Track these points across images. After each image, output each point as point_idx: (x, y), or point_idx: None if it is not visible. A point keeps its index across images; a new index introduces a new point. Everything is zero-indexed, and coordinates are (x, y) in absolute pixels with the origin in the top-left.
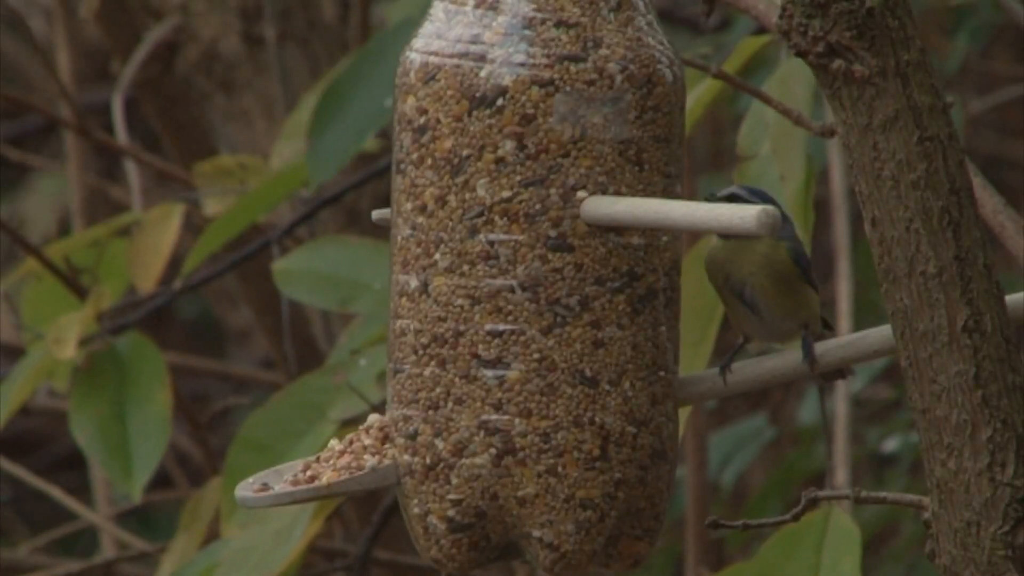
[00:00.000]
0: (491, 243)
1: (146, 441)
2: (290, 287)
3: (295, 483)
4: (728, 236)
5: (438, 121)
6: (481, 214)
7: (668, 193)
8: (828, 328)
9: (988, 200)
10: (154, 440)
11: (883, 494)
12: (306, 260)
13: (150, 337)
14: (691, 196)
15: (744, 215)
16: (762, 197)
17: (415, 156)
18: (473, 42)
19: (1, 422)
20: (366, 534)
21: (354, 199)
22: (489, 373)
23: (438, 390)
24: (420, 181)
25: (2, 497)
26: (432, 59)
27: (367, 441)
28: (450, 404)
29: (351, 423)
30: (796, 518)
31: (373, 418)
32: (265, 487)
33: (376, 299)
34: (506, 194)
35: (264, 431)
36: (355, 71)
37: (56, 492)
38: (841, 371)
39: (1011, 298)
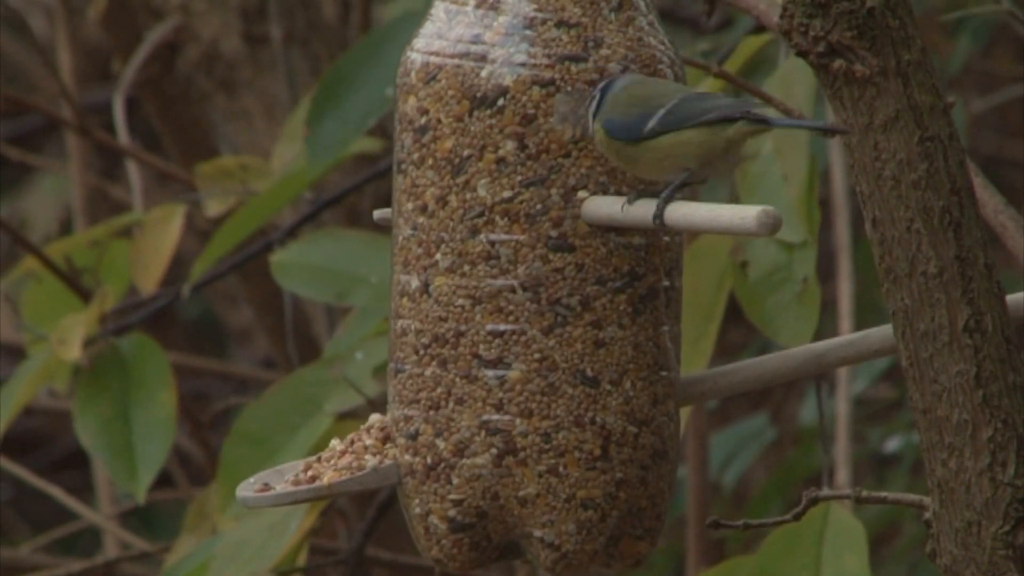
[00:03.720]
0: (492, 243)
1: (150, 442)
2: (287, 280)
3: (296, 483)
4: (727, 234)
5: (439, 121)
6: (482, 214)
7: None
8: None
9: (989, 200)
10: (158, 441)
11: (884, 494)
12: (303, 253)
13: (151, 337)
14: (691, 196)
15: (744, 215)
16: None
17: (416, 156)
18: (474, 42)
19: (4, 425)
20: (361, 528)
21: (355, 199)
22: (490, 373)
23: (439, 390)
24: (421, 181)
25: (3, 496)
26: (433, 59)
27: (368, 441)
28: (451, 404)
29: (347, 416)
30: (797, 518)
31: (374, 418)
32: (266, 487)
33: (373, 293)
34: (507, 194)
35: (260, 424)
36: (355, 61)
37: (57, 492)
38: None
39: (1012, 298)
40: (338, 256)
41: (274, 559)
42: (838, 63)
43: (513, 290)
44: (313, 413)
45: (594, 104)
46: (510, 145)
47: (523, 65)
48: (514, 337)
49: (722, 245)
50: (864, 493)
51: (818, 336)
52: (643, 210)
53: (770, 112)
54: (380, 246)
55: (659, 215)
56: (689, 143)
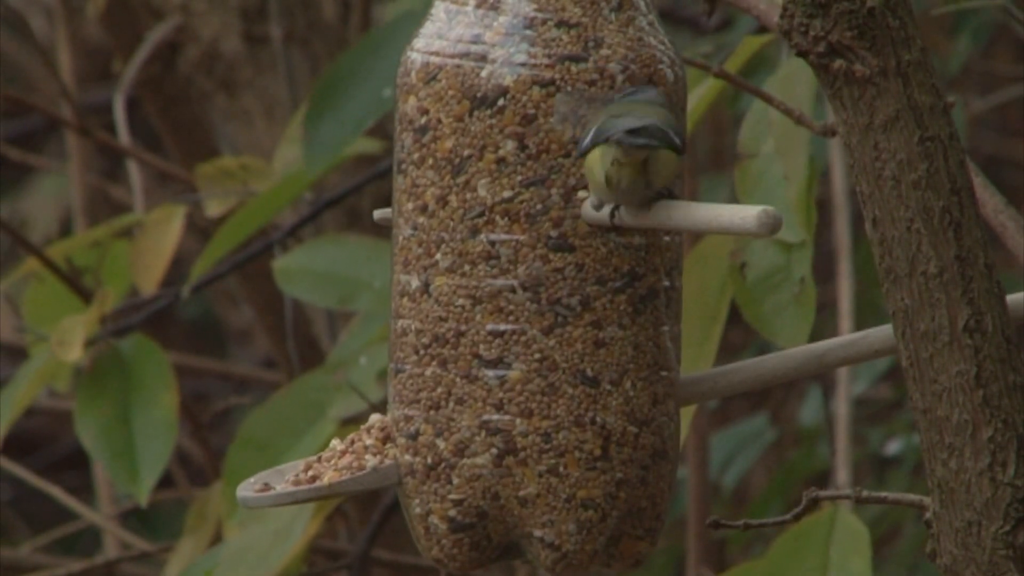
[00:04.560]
0: (492, 243)
1: (151, 443)
2: (290, 285)
3: (296, 483)
4: (727, 234)
5: (439, 121)
6: (482, 214)
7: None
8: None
9: (989, 200)
10: (160, 442)
11: (884, 494)
12: (306, 258)
13: (151, 337)
14: (692, 196)
15: (744, 215)
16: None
17: (416, 156)
18: (474, 42)
19: (5, 427)
20: (365, 533)
21: (355, 199)
22: (490, 373)
23: (439, 390)
24: (421, 181)
25: (3, 497)
26: (433, 59)
27: (368, 441)
28: (451, 404)
29: (351, 422)
30: (797, 518)
31: (375, 418)
32: (266, 487)
33: (376, 297)
34: (507, 194)
35: (264, 430)
36: (353, 62)
37: (57, 492)
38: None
39: (1012, 298)
40: (341, 261)
41: (278, 565)
42: (838, 63)
43: (513, 290)
44: (317, 419)
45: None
46: (510, 145)
47: (523, 65)
48: (514, 337)
49: (725, 248)
50: (864, 493)
51: (818, 336)
52: (630, 212)
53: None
54: (383, 251)
55: (613, 213)
56: (600, 157)
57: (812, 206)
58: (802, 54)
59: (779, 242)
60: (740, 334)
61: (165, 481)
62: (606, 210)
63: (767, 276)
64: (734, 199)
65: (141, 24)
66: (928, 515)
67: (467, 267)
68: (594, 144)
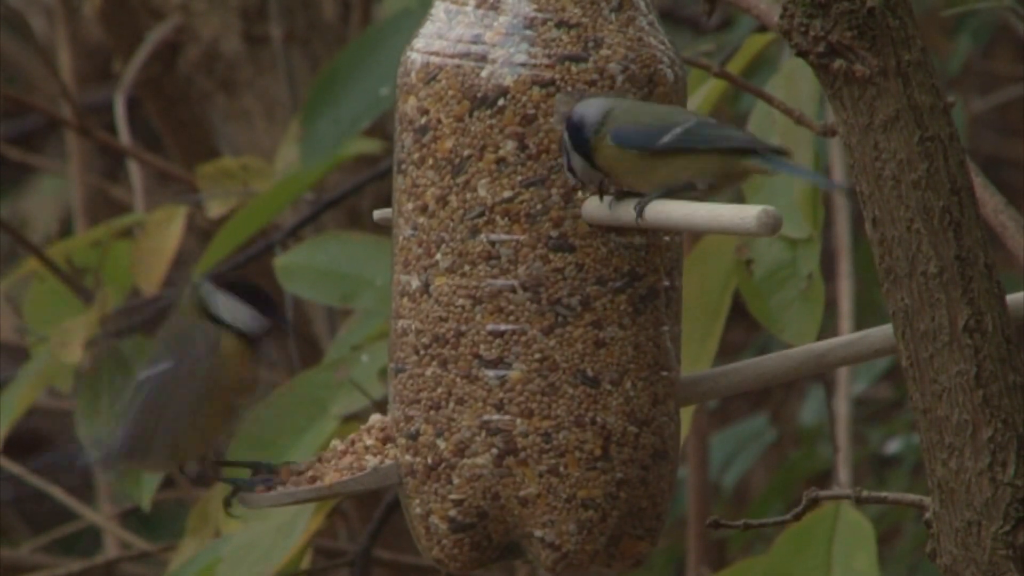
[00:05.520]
0: (492, 243)
1: None
2: (292, 282)
3: (297, 483)
4: (727, 234)
5: (439, 121)
6: (482, 214)
7: None
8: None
9: (989, 200)
10: None
11: (884, 494)
12: (308, 256)
13: (152, 337)
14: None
15: (744, 215)
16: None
17: (416, 156)
18: (474, 42)
19: (5, 427)
20: (367, 531)
21: (355, 199)
22: (490, 373)
23: (439, 390)
24: (421, 181)
25: (3, 497)
26: (433, 59)
27: (369, 441)
28: (452, 404)
29: (352, 419)
30: (797, 518)
31: (375, 418)
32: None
33: (377, 295)
34: (507, 194)
35: (265, 428)
36: (350, 60)
37: (57, 492)
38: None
39: (1012, 297)
40: (342, 259)
41: (281, 561)
42: (838, 63)
43: (513, 290)
44: (319, 416)
45: (571, 134)
46: (510, 145)
47: (523, 65)
48: (514, 337)
49: (728, 245)
50: (864, 493)
51: (818, 336)
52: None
53: (777, 157)
54: (384, 248)
55: (639, 212)
56: (706, 165)
57: (819, 202)
58: (802, 54)
59: (785, 238)
60: (740, 334)
61: (166, 481)
62: (629, 211)
63: (773, 272)
64: (736, 199)
65: (141, 24)
66: (928, 515)
67: (467, 267)
68: (742, 149)
